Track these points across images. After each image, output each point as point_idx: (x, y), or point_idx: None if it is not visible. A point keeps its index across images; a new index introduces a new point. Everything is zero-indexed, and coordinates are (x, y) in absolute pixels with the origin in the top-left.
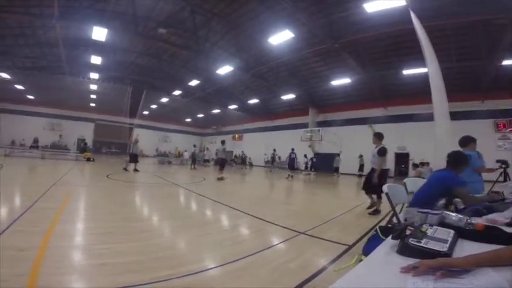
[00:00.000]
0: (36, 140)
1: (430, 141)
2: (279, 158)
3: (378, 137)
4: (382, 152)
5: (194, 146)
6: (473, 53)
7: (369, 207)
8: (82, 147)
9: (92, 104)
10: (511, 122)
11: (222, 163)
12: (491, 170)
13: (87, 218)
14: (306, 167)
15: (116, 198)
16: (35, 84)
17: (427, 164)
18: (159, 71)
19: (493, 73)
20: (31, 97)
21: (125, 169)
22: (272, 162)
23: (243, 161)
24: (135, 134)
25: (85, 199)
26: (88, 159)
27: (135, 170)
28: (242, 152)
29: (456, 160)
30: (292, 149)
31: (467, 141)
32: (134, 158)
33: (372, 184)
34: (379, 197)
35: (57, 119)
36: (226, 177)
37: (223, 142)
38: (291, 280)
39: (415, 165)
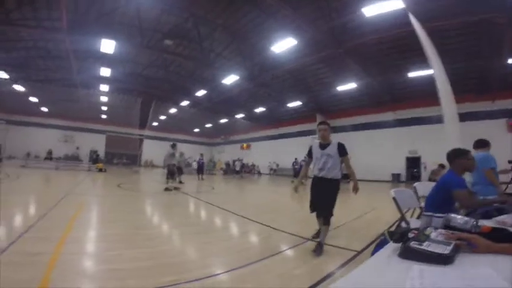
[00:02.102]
0: (50, 152)
1: (442, 144)
2: (277, 165)
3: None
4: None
5: (201, 155)
6: (478, 52)
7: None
8: (94, 158)
9: (103, 116)
10: None
11: (169, 170)
12: (506, 172)
13: (99, 225)
14: None
15: (127, 207)
16: (49, 97)
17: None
18: (167, 82)
19: (502, 71)
20: (45, 109)
21: (179, 182)
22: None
23: (250, 170)
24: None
25: (97, 207)
26: (100, 170)
27: (180, 182)
28: (239, 160)
29: (451, 157)
30: (296, 159)
31: (479, 144)
32: (180, 171)
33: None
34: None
35: (70, 130)
36: (179, 186)
37: (173, 146)
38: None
39: (442, 166)
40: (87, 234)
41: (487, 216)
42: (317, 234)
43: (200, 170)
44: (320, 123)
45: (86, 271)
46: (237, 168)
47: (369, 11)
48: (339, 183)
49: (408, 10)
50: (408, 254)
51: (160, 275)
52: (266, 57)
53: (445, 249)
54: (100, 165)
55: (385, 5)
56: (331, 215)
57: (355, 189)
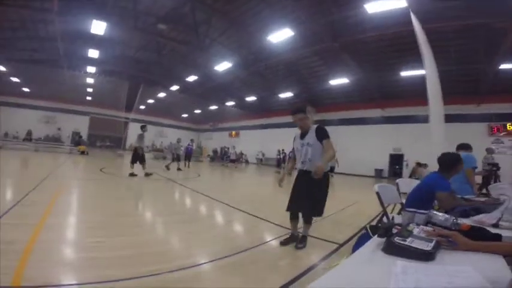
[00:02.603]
0: (29, 133)
1: (425, 143)
2: (263, 155)
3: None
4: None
5: (191, 140)
6: (472, 56)
7: None
8: (77, 140)
9: (88, 98)
10: (505, 126)
11: (134, 154)
12: (479, 173)
13: (79, 211)
14: None
15: (109, 192)
16: (32, 77)
17: (425, 165)
18: (157, 66)
19: (491, 76)
20: (26, 90)
21: (178, 169)
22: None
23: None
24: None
25: (77, 193)
26: (82, 153)
27: (179, 169)
28: (234, 148)
29: (446, 163)
30: (282, 149)
31: (462, 147)
32: (178, 158)
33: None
34: None
35: (52, 112)
36: (149, 172)
37: (142, 127)
38: (280, 277)
39: (419, 165)
40: (66, 221)
41: (465, 215)
42: (287, 240)
43: (188, 156)
44: (294, 112)
45: (63, 260)
46: (233, 157)
47: (371, 8)
48: (327, 176)
49: (410, 9)
50: (392, 249)
51: (142, 265)
52: (262, 46)
53: (427, 246)
54: (82, 147)
55: (388, 2)
56: (318, 214)
57: (316, 173)
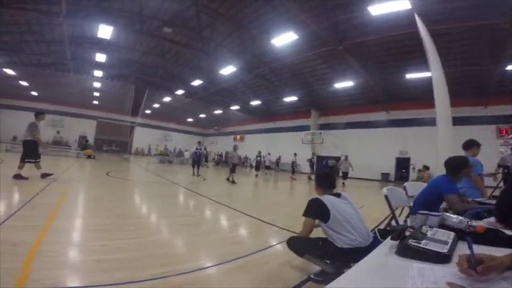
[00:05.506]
0: None
1: (432, 146)
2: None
3: None
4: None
5: (198, 143)
6: (478, 57)
7: None
8: (83, 144)
9: (95, 102)
10: None
11: (28, 149)
12: (492, 175)
13: (85, 214)
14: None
15: (114, 196)
16: (40, 81)
17: (428, 168)
18: (163, 70)
19: (498, 78)
20: (35, 93)
21: (232, 181)
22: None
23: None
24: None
25: (83, 196)
26: (89, 157)
27: (233, 181)
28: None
29: (452, 166)
30: (259, 151)
31: (470, 144)
32: (233, 169)
33: None
34: None
35: (60, 115)
36: (48, 173)
37: (36, 115)
38: (287, 281)
39: (426, 168)
40: (72, 224)
41: (478, 217)
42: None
43: (197, 162)
44: None
45: (69, 262)
46: (268, 163)
47: (375, 10)
48: None
49: (414, 11)
50: (407, 252)
51: (149, 267)
52: (266, 50)
53: (443, 248)
54: (89, 151)
55: (392, 4)
56: None
57: None
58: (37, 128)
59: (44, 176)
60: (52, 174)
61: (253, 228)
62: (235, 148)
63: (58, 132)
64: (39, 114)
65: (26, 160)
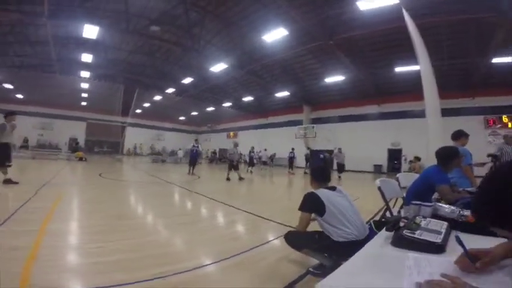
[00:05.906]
0: (26, 140)
1: (423, 137)
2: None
3: None
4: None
5: (195, 141)
6: (465, 50)
7: None
8: (74, 147)
9: (84, 103)
10: (501, 118)
11: None
12: (481, 165)
13: (80, 217)
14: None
15: (108, 197)
16: (25, 83)
17: (419, 159)
18: (152, 69)
19: (484, 70)
20: (20, 96)
21: (239, 178)
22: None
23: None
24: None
25: (77, 198)
26: (80, 159)
27: (240, 178)
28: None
29: (443, 156)
30: (252, 147)
31: (458, 135)
32: (236, 166)
33: None
34: None
35: (48, 118)
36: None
37: (9, 114)
38: (286, 276)
39: (417, 159)
40: (67, 227)
41: (469, 207)
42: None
43: (193, 161)
44: None
45: (67, 265)
46: (264, 159)
47: (363, 5)
48: None
49: (402, 5)
50: (401, 242)
51: (147, 267)
52: (256, 46)
53: (437, 238)
54: (80, 153)
55: None
56: None
57: None
58: (5, 130)
59: (7, 182)
60: (17, 182)
61: (250, 224)
62: (235, 145)
63: (41, 134)
64: (10, 115)
65: (6, 164)
